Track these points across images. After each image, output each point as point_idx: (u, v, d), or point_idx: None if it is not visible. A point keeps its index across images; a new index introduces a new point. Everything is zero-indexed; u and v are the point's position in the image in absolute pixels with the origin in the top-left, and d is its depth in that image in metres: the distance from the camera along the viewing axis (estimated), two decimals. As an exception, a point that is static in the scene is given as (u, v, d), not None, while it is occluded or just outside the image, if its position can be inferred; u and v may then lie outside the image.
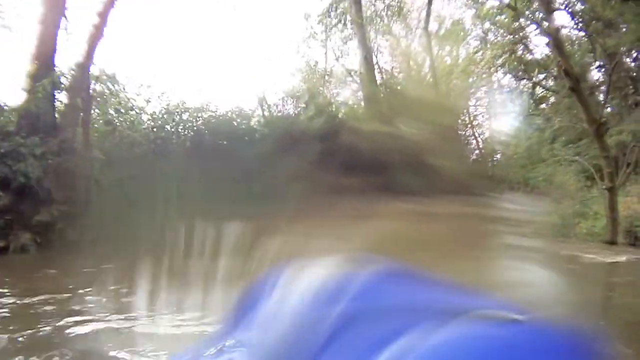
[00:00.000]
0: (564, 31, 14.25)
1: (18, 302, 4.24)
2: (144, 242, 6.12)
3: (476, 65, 16.96)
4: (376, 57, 16.28)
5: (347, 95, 17.04)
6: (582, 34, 15.67)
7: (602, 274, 7.84)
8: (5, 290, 4.68)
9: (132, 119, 11.08)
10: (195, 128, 11.22)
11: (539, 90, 18.56)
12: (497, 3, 15.87)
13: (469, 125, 18.14)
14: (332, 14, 16.69)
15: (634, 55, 14.55)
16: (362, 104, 14.84)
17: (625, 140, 13.16)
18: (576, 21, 15.37)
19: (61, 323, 3.53)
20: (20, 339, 3.15)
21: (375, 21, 16.24)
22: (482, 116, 19.10)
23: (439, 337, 0.45)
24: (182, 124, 11.23)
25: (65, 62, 9.55)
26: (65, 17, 9.50)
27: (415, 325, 0.48)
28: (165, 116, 11.13)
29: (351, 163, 8.56)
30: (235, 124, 11.69)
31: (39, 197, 8.01)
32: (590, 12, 14.12)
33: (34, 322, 3.51)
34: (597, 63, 15.41)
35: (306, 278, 0.65)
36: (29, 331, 3.29)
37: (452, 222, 6.64)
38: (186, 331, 3.33)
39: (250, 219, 5.57)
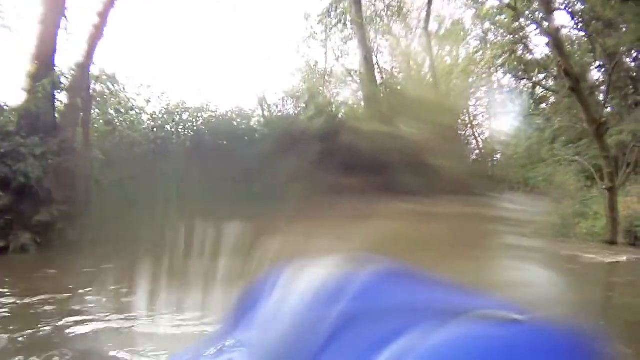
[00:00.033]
0: (564, 31, 14.28)
1: (18, 302, 4.24)
2: (144, 242, 6.11)
3: (476, 65, 16.97)
4: (376, 57, 16.32)
5: (347, 95, 17.08)
6: (582, 34, 15.69)
7: (602, 274, 7.85)
8: (5, 290, 4.68)
9: (132, 119, 11.09)
10: (195, 128, 11.22)
11: (539, 90, 18.58)
12: (497, 3, 15.90)
13: (469, 125, 18.15)
14: (332, 14, 16.70)
15: (634, 55, 14.57)
16: (362, 104, 14.85)
17: (625, 140, 13.17)
18: (576, 21, 15.40)
19: (61, 323, 3.52)
20: (20, 339, 3.15)
21: (375, 21, 16.24)
22: (482, 116, 19.15)
23: (439, 337, 0.45)
24: (182, 124, 11.23)
25: (65, 62, 9.58)
26: (65, 17, 9.51)
27: (415, 325, 0.47)
28: (165, 116, 11.13)
29: (351, 163, 8.55)
30: (235, 124, 11.69)
31: (39, 197, 8.01)
32: (590, 12, 14.12)
33: (34, 322, 3.51)
34: (597, 63, 15.44)
35: (306, 278, 0.65)
36: (29, 331, 3.29)
37: (452, 222, 6.63)
38: (186, 331, 3.33)
39: (250, 219, 5.56)
